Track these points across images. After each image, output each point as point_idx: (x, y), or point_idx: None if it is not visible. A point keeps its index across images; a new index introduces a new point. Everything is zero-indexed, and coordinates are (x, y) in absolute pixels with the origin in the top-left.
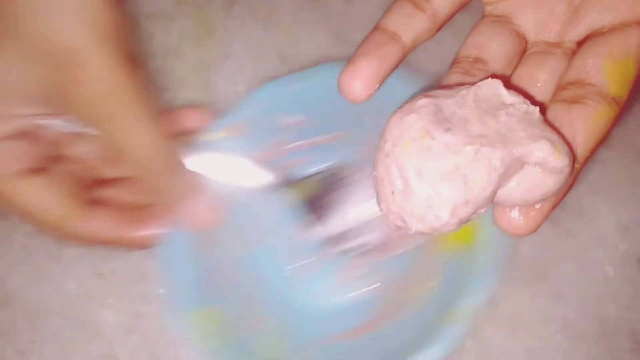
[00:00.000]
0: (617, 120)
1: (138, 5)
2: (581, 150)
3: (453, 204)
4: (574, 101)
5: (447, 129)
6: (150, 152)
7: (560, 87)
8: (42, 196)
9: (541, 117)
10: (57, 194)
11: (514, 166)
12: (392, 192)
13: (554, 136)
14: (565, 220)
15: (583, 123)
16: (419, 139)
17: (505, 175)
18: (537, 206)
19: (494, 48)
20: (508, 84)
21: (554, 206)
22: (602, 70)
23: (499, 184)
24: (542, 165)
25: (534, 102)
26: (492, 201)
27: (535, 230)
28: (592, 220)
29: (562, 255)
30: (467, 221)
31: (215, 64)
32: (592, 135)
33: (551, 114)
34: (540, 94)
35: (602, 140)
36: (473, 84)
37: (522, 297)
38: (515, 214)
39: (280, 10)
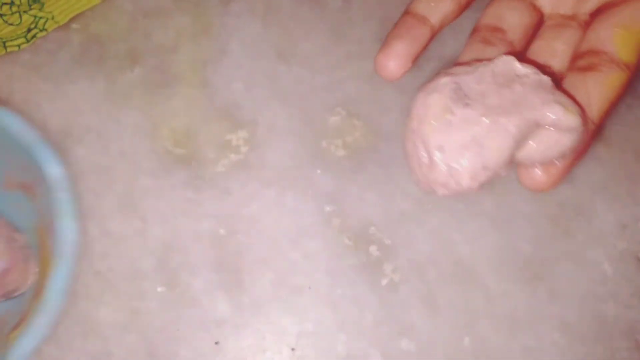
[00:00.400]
0: (629, 83)
1: (135, 2)
2: (596, 111)
3: (472, 171)
4: (588, 69)
5: (466, 104)
6: None
7: (576, 56)
8: None
9: (552, 84)
10: None
11: (530, 129)
12: (419, 165)
13: (565, 99)
14: (563, 219)
15: (597, 88)
16: (441, 116)
17: (522, 139)
18: (557, 163)
19: (512, 19)
20: (522, 58)
21: (573, 162)
22: (614, 38)
23: (516, 147)
24: (556, 125)
25: (550, 72)
26: (510, 163)
27: (555, 186)
28: (590, 218)
29: (560, 253)
30: (489, 181)
31: (213, 61)
32: (605, 98)
33: (568, 81)
34: (559, 64)
35: (615, 103)
36: (490, 58)
37: (519, 296)
38: (537, 171)
39: (278, 8)
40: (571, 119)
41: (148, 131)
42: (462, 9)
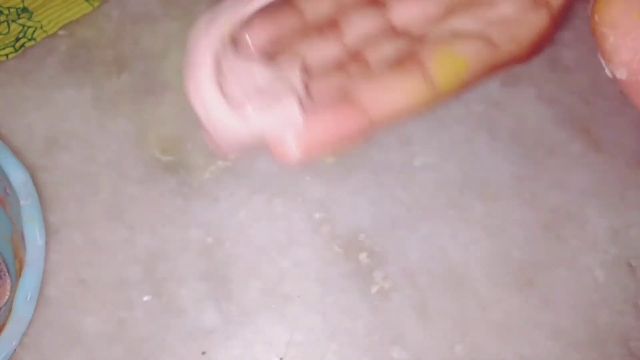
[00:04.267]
0: (426, 105)
1: (123, 8)
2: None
3: None
4: (398, 63)
5: None
6: None
7: (398, 54)
8: None
9: None
10: None
11: None
12: None
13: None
14: (556, 225)
15: (398, 88)
16: None
17: None
18: None
19: (358, 21)
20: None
21: None
22: (434, 54)
23: None
24: None
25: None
26: None
27: None
28: (582, 224)
29: (553, 260)
30: None
31: None
32: (394, 100)
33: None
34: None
35: (402, 113)
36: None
37: (512, 303)
38: None
39: None
40: None
41: (135, 138)
42: None
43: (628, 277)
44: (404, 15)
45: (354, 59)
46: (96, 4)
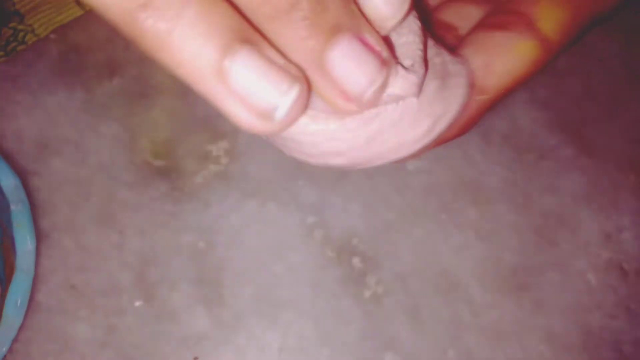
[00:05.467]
0: (542, 65)
1: None
2: (495, 81)
3: None
4: (499, 26)
5: None
6: None
7: (489, 14)
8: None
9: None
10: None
11: None
12: None
13: None
14: (548, 229)
15: (503, 52)
16: None
17: None
18: None
19: None
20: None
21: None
22: (540, 3)
23: None
24: None
25: (455, 34)
26: None
27: None
28: (574, 228)
29: (545, 264)
30: None
31: None
32: (510, 67)
33: (469, 39)
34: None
35: (520, 80)
36: None
37: (504, 307)
38: None
39: None
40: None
41: (127, 143)
42: None
43: (620, 280)
44: None
45: (438, 28)
46: (88, 8)
